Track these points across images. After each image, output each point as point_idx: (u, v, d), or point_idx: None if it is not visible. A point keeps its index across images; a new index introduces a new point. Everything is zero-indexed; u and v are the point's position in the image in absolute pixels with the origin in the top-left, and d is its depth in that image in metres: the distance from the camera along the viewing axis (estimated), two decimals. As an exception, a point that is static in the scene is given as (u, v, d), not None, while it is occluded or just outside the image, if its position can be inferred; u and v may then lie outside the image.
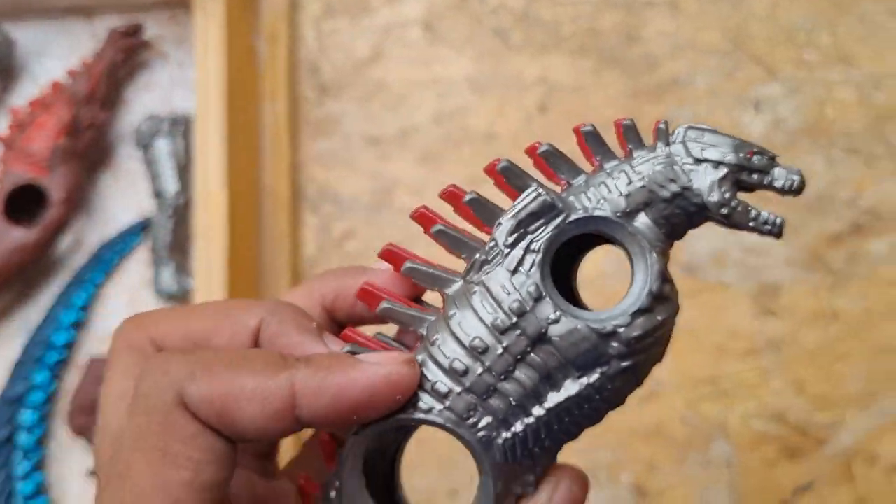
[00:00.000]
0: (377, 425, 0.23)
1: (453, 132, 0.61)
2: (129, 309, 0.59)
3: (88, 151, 0.59)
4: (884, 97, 0.60)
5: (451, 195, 0.27)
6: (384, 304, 0.25)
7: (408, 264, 0.25)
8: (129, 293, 0.59)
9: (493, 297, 0.23)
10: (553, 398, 0.22)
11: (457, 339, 0.22)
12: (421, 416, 0.22)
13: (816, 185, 0.59)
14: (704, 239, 0.59)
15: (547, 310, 0.22)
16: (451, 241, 0.25)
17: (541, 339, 0.22)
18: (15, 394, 0.56)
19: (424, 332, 0.23)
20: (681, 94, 0.60)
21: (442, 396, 0.22)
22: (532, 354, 0.22)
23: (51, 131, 0.58)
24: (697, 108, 0.60)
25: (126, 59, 0.60)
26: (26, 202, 0.57)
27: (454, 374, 0.22)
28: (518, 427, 0.22)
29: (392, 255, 0.26)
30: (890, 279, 0.58)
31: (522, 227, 0.24)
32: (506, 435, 0.22)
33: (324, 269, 0.59)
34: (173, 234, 0.56)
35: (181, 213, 0.56)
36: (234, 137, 0.53)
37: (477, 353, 0.22)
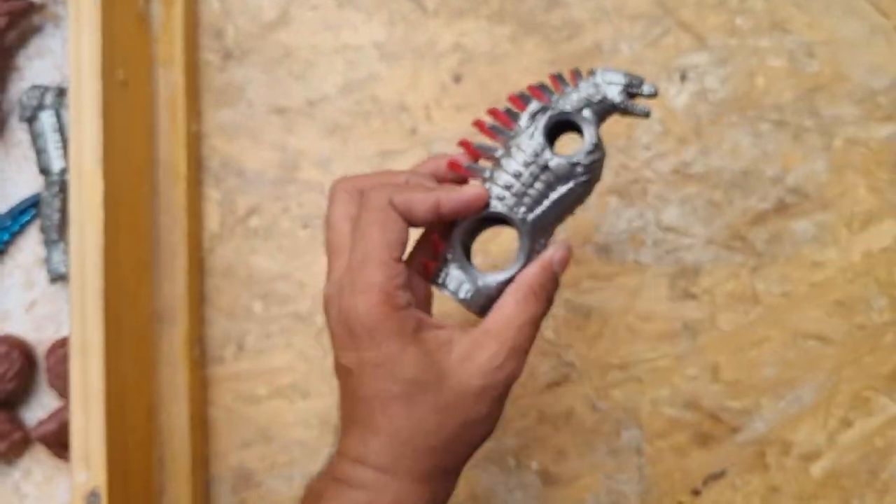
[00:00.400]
0: (470, 221, 0.41)
1: (363, 103, 0.58)
2: (24, 290, 0.57)
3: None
4: (817, 66, 0.57)
5: (493, 112, 0.43)
6: (470, 164, 0.42)
7: (476, 142, 0.42)
8: (25, 273, 0.57)
9: (521, 150, 0.41)
10: (552, 196, 0.40)
11: (505, 171, 0.41)
12: (490, 210, 0.40)
13: (742, 161, 0.56)
14: (622, 218, 0.56)
15: (546, 154, 0.40)
16: (495, 130, 0.42)
17: (545, 168, 0.40)
18: None
19: (488, 175, 0.41)
20: (603, 62, 0.57)
21: (500, 199, 0.41)
22: (541, 175, 0.40)
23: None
24: (620, 79, 0.57)
25: (12, 22, 0.56)
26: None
27: (506, 188, 0.40)
28: (538, 210, 0.41)
29: (464, 143, 0.42)
30: (814, 261, 0.56)
31: (531, 117, 0.41)
32: (532, 215, 0.41)
33: (228, 247, 0.57)
34: (61, 213, 0.53)
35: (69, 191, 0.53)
36: (117, 109, 0.49)
37: (515, 176, 0.40)
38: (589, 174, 0.41)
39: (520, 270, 0.40)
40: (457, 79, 0.58)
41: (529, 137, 0.40)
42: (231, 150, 0.58)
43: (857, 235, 0.56)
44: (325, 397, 0.56)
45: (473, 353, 0.37)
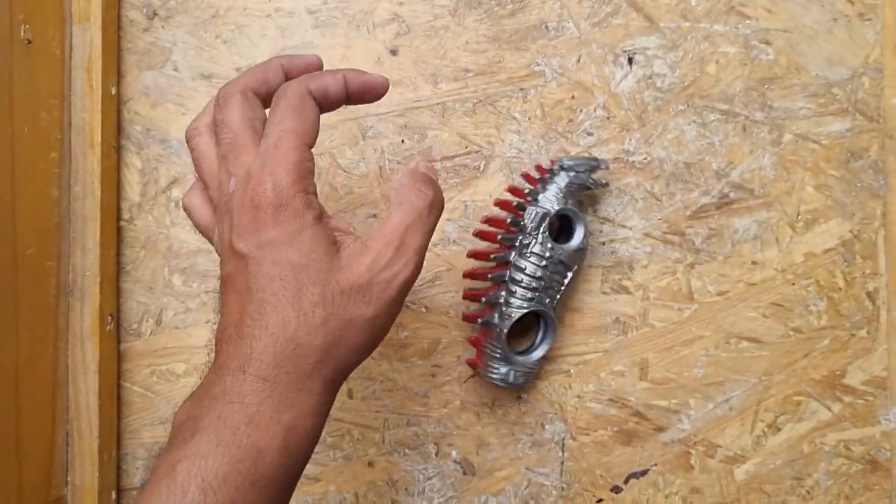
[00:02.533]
0: (513, 322, 0.50)
1: (294, 72, 0.55)
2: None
3: None
4: (772, 55, 0.54)
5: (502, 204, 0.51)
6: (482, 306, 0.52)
7: (492, 256, 0.50)
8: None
9: (537, 255, 0.49)
10: (566, 280, 0.50)
11: (528, 274, 0.49)
12: (526, 310, 0.50)
13: (686, 153, 0.54)
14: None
15: (558, 251, 0.49)
16: (504, 240, 0.50)
17: (559, 262, 0.50)
18: None
19: (505, 281, 0.50)
20: (549, 40, 0.54)
21: (529, 300, 0.50)
22: (557, 268, 0.50)
23: None
24: (566, 61, 0.54)
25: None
26: None
27: (532, 290, 0.49)
28: (559, 294, 0.50)
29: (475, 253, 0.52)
30: (753, 261, 0.54)
31: (535, 222, 0.49)
32: (556, 300, 0.50)
33: (148, 218, 0.54)
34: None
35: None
36: (19, 69, 0.47)
37: (537, 279, 0.49)
38: (586, 251, 0.52)
39: (550, 347, 0.52)
40: (393, 51, 0.55)
41: (541, 243, 0.50)
42: (155, 116, 0.55)
43: (801, 236, 0.54)
44: (243, 378, 0.54)
45: (362, 252, 0.37)
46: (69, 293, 0.51)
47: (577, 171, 0.50)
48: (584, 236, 0.51)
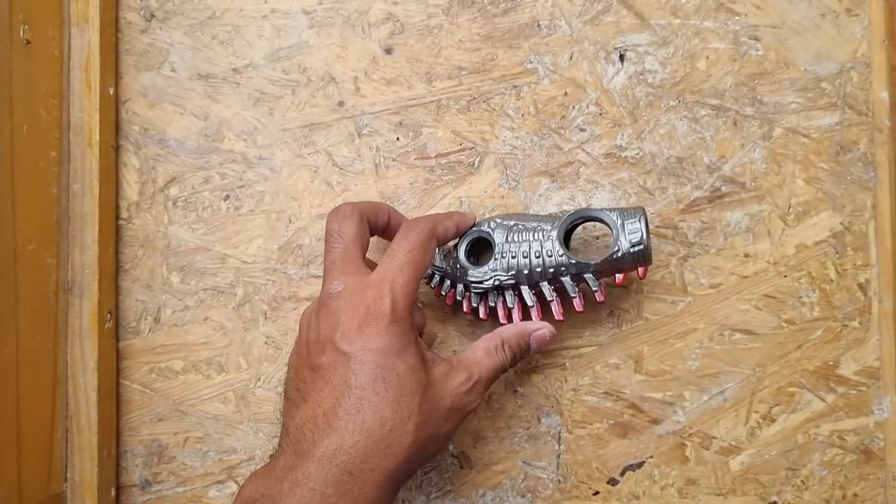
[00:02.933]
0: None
1: (290, 72, 0.56)
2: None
3: None
4: (762, 51, 0.55)
5: None
6: None
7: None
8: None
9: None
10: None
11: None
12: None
13: (678, 147, 0.54)
14: (552, 201, 0.54)
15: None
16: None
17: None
18: None
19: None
20: (541, 38, 0.55)
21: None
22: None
23: None
24: (558, 58, 0.55)
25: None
26: None
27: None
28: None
29: None
30: (746, 253, 0.54)
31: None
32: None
33: (146, 216, 0.55)
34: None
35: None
36: (19, 69, 0.47)
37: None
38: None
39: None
40: (388, 50, 0.55)
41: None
42: (152, 116, 0.56)
43: (793, 228, 0.54)
44: (243, 372, 0.55)
45: (449, 376, 0.43)
46: (68, 290, 0.52)
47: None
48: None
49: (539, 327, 0.48)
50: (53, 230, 0.51)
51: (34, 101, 0.49)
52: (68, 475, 0.51)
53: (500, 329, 0.47)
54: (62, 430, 0.51)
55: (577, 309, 0.49)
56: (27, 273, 0.48)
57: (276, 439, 0.54)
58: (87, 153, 0.52)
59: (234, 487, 0.54)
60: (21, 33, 0.48)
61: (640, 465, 0.54)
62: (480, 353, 0.45)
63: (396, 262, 0.43)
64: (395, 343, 0.40)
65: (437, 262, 0.51)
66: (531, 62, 0.55)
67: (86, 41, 0.53)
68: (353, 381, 0.39)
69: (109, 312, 0.53)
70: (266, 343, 0.55)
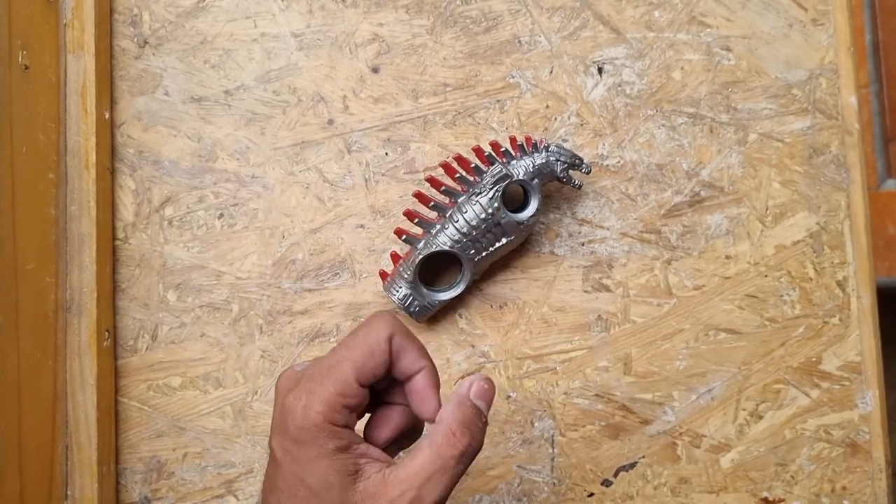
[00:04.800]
0: (427, 254, 0.53)
1: (281, 93, 0.57)
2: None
3: None
4: (734, 60, 0.57)
5: (458, 158, 0.53)
6: (421, 220, 0.54)
7: (443, 188, 0.53)
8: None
9: (482, 206, 0.52)
10: (497, 245, 0.53)
11: (465, 219, 0.52)
12: (446, 248, 0.52)
13: (657, 155, 0.56)
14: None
15: (501, 214, 0.52)
16: (461, 179, 0.53)
17: (497, 224, 0.52)
18: None
19: (446, 216, 0.53)
20: (522, 54, 0.57)
21: (456, 242, 0.52)
22: (493, 229, 0.52)
23: None
24: (539, 73, 0.57)
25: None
26: None
27: (462, 234, 0.52)
28: (484, 254, 0.53)
29: (432, 180, 0.53)
30: (727, 255, 0.56)
31: (494, 179, 0.52)
32: (479, 257, 0.53)
33: (142, 236, 0.56)
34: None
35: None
36: (18, 94, 0.49)
37: (472, 226, 0.52)
38: (528, 231, 0.53)
39: (459, 294, 0.54)
40: (375, 69, 0.57)
41: (489, 198, 0.52)
42: (147, 138, 0.57)
43: (771, 229, 0.56)
44: (240, 386, 0.56)
45: (378, 493, 0.37)
46: (67, 309, 0.53)
47: (556, 158, 0.53)
48: (533, 215, 0.53)
49: (472, 381, 0.41)
50: (52, 250, 0.52)
51: (33, 125, 0.51)
52: (69, 492, 0.52)
53: (440, 413, 0.39)
54: (62, 447, 0.52)
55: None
56: (27, 292, 0.49)
57: (275, 451, 0.54)
58: (84, 175, 0.54)
59: (233, 501, 0.55)
60: (20, 59, 0.49)
61: (633, 465, 0.55)
62: (422, 456, 0.38)
63: (328, 360, 0.39)
64: (303, 452, 0.37)
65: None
66: (513, 77, 0.57)
67: (81, 67, 0.54)
68: (278, 482, 0.38)
69: (107, 331, 0.54)
70: (262, 357, 0.56)
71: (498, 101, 0.57)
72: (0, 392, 0.45)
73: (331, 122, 0.57)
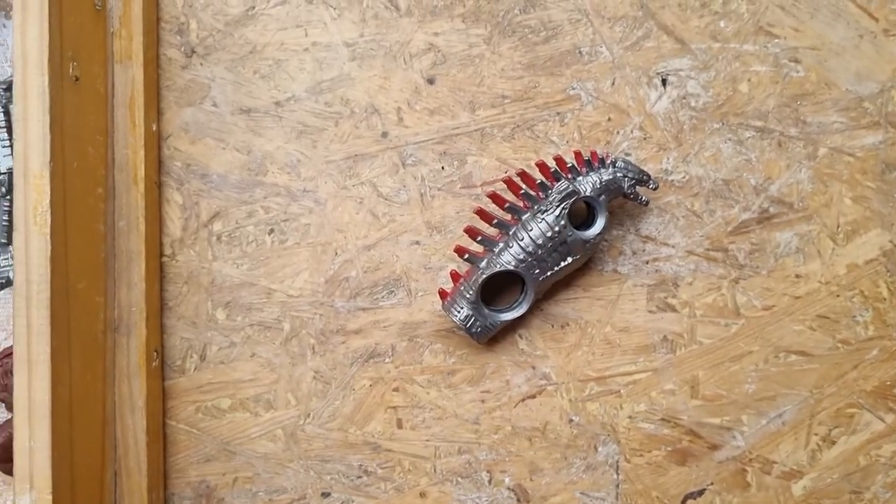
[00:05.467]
0: (491, 273, 0.50)
1: (333, 104, 0.55)
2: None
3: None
4: (802, 72, 0.55)
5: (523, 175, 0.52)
6: (483, 239, 0.51)
7: (507, 205, 0.51)
8: (-25, 276, 0.54)
9: (548, 224, 0.50)
10: (562, 264, 0.51)
11: (531, 237, 0.50)
12: (511, 268, 0.50)
13: (724, 170, 0.54)
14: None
15: (566, 231, 0.50)
16: (523, 196, 0.51)
17: (563, 242, 0.50)
18: None
19: (509, 234, 0.51)
20: (582, 65, 0.55)
21: (520, 260, 0.50)
22: (559, 247, 0.50)
23: None
24: (600, 84, 0.55)
25: (-36, 15, 0.53)
26: None
27: (527, 252, 0.50)
28: (548, 273, 0.51)
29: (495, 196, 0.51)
30: (797, 274, 0.54)
31: (560, 195, 0.50)
32: (543, 276, 0.51)
33: (190, 252, 0.54)
34: (9, 216, 0.51)
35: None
36: (69, 106, 0.47)
37: (537, 245, 0.50)
38: (593, 249, 0.52)
39: (522, 315, 0.52)
40: (430, 80, 0.55)
41: (556, 216, 0.50)
42: (194, 151, 0.55)
43: (842, 247, 0.54)
44: (292, 409, 0.54)
45: None
46: (115, 329, 0.51)
47: (624, 174, 0.51)
48: (599, 233, 0.51)
49: None
50: (101, 268, 0.50)
51: (83, 138, 0.49)
52: (118, 520, 0.50)
53: None
54: (111, 473, 0.50)
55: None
56: (79, 311, 0.47)
57: (328, 477, 0.53)
58: (133, 190, 0.52)
59: (284, 528, 0.53)
60: (70, 70, 0.47)
61: (701, 492, 0.53)
62: None
63: None
64: None
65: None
66: (573, 89, 0.55)
67: (129, 78, 0.52)
68: None
69: (156, 351, 0.52)
70: (315, 378, 0.54)
71: (558, 113, 0.55)
72: (53, 419, 0.43)
73: (385, 134, 0.55)
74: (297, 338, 0.54)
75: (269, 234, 0.55)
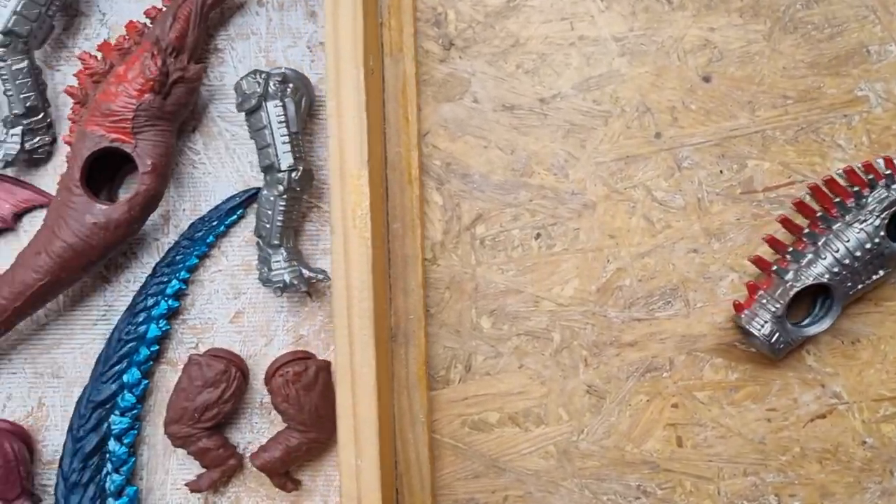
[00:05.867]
0: (798, 287, 0.48)
1: (602, 102, 0.52)
2: (229, 299, 0.51)
3: (177, 111, 0.50)
4: None
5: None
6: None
7: (818, 213, 0.49)
8: (229, 279, 0.51)
9: (867, 234, 0.47)
10: (874, 276, 0.48)
11: (847, 248, 0.47)
12: (824, 280, 0.48)
13: None
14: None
15: (885, 244, 0.47)
16: (838, 205, 0.49)
17: (880, 254, 0.47)
18: (101, 396, 0.48)
19: (818, 244, 0.48)
20: (870, 66, 0.52)
21: (834, 273, 0.47)
22: (874, 259, 0.47)
23: (132, 85, 0.49)
24: (891, 85, 0.52)
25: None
26: (99, 170, 0.49)
27: (842, 264, 0.47)
28: (860, 286, 0.48)
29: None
30: None
31: (882, 205, 0.47)
32: (854, 290, 0.48)
33: (452, 257, 0.51)
34: (285, 216, 0.48)
35: (295, 191, 0.48)
36: (372, 102, 0.44)
37: (854, 256, 0.47)
38: None
39: (826, 330, 0.48)
40: (706, 78, 0.52)
41: (875, 226, 0.47)
42: (454, 149, 0.52)
43: None
44: (564, 424, 0.51)
45: None
46: (393, 338, 0.48)
47: None
48: None
49: None
50: (383, 274, 0.47)
51: (374, 134, 0.46)
52: (402, 542, 0.47)
53: None
54: (392, 492, 0.47)
55: None
56: (380, 323, 0.44)
57: (605, 497, 0.49)
58: (408, 191, 0.49)
59: (556, 551, 0.50)
60: (370, 61, 0.44)
61: None
62: None
63: None
64: None
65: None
66: (861, 90, 0.52)
67: (400, 71, 0.50)
68: None
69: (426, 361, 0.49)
70: (588, 392, 0.51)
71: (844, 115, 0.52)
72: (340, 436, 0.40)
73: (658, 135, 0.52)
74: (569, 349, 0.51)
75: (536, 239, 0.52)
